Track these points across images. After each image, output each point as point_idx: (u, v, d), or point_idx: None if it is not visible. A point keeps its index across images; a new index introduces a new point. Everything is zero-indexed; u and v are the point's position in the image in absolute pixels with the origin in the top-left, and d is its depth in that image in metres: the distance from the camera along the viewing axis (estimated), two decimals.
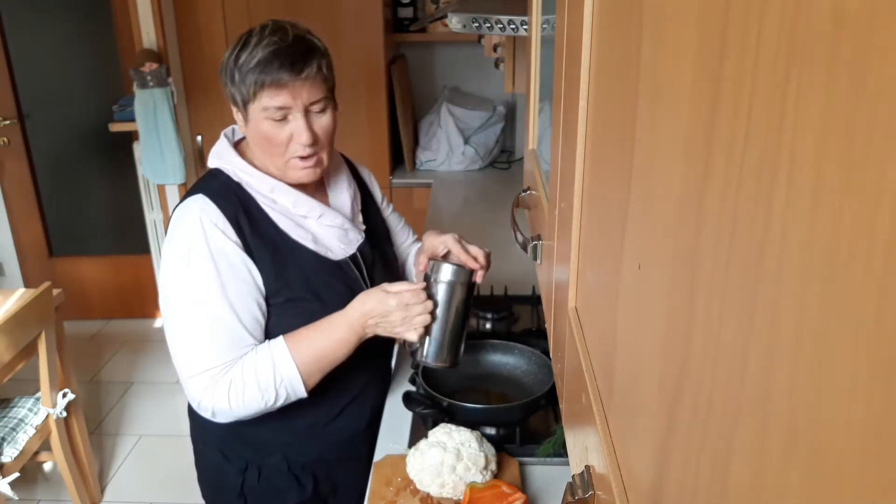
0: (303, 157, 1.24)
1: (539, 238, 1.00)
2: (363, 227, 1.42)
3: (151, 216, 3.42)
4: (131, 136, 3.28)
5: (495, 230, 2.46)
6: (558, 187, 0.78)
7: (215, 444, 1.39)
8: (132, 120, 3.09)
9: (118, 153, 3.48)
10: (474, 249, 1.40)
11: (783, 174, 0.24)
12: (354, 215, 1.41)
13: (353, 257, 1.36)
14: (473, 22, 1.41)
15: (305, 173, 1.26)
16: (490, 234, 2.47)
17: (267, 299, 1.26)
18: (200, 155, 3.28)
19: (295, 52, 1.19)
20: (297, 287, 1.28)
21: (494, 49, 2.25)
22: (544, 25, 1.05)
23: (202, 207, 1.22)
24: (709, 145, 0.31)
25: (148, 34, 3.02)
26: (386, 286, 1.24)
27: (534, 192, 1.12)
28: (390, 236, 1.55)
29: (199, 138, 3.26)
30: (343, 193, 1.40)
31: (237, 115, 1.26)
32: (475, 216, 2.78)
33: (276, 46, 1.18)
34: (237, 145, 1.33)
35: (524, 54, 1.47)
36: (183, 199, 1.28)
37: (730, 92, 0.29)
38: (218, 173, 1.30)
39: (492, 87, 3.43)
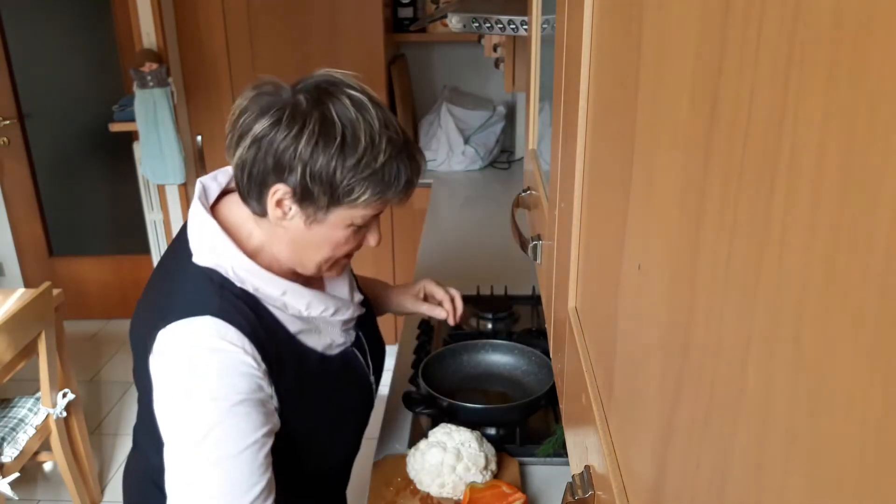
0: (348, 255, 1.08)
1: (539, 238, 1.00)
2: (361, 297, 1.23)
3: (151, 216, 3.42)
4: (131, 136, 3.28)
5: (495, 230, 2.46)
6: (558, 187, 0.78)
7: None
8: (132, 120, 3.09)
9: (118, 153, 3.48)
10: (452, 290, 1.41)
11: (783, 174, 0.24)
12: (352, 289, 1.21)
13: (356, 339, 1.20)
14: (473, 22, 1.41)
15: (343, 269, 1.13)
16: (490, 234, 2.48)
17: (292, 438, 1.06)
18: (200, 155, 3.28)
19: (414, 159, 1.01)
20: (317, 411, 1.10)
21: (494, 49, 2.26)
22: (544, 25, 1.05)
23: (218, 334, 0.95)
24: (709, 145, 0.31)
25: (148, 34, 3.02)
26: None
27: (534, 192, 1.12)
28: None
29: (199, 138, 3.26)
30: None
31: (283, 207, 0.98)
32: (475, 216, 2.78)
33: (396, 149, 0.97)
34: (213, 209, 1.06)
35: (524, 54, 1.47)
36: (175, 317, 0.97)
37: (730, 91, 0.29)
38: (213, 275, 1.00)
39: (492, 87, 3.43)
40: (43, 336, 2.22)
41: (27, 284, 3.74)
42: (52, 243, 3.78)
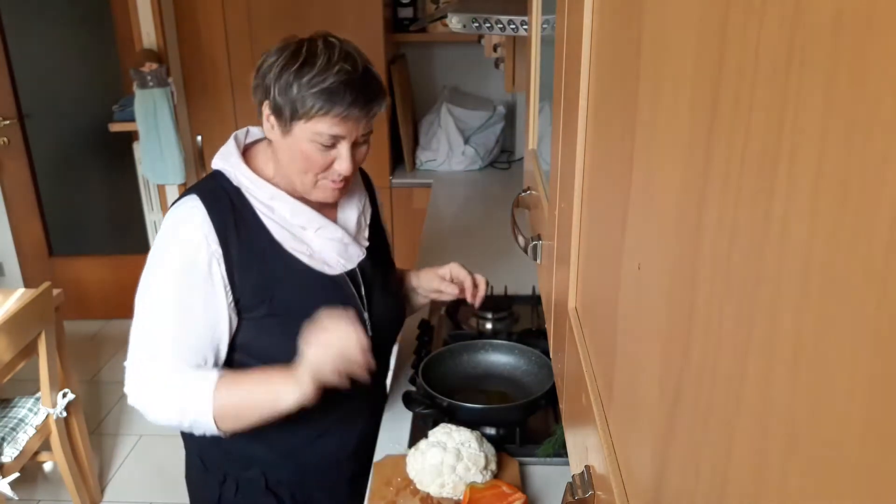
0: (334, 181, 1.23)
1: (539, 238, 1.00)
2: (366, 242, 1.37)
3: (151, 216, 3.42)
4: (131, 136, 3.28)
5: (495, 230, 2.46)
6: (558, 187, 0.78)
7: (196, 450, 1.37)
8: (132, 120, 3.09)
9: (118, 153, 3.48)
10: (479, 276, 1.46)
11: (783, 174, 0.24)
12: (360, 230, 1.37)
13: (351, 273, 1.32)
14: (473, 22, 1.41)
15: (333, 195, 1.25)
16: (490, 234, 2.48)
17: (242, 312, 1.23)
18: (200, 155, 3.28)
19: (368, 88, 1.17)
20: (282, 303, 1.24)
21: (494, 49, 2.26)
22: (544, 25, 1.05)
23: (190, 211, 1.20)
24: (709, 145, 0.31)
25: (148, 34, 3.02)
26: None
27: (534, 192, 1.12)
28: (391, 257, 1.51)
29: (199, 138, 3.26)
30: (352, 207, 1.36)
31: (270, 120, 1.21)
32: (475, 216, 2.78)
33: (348, 76, 1.14)
34: (246, 150, 1.30)
35: (524, 54, 1.47)
36: (179, 197, 1.26)
37: (730, 92, 0.29)
38: (218, 175, 1.27)
39: (492, 87, 3.43)
40: (43, 336, 2.22)
41: (27, 284, 3.74)
42: (52, 243, 3.78)
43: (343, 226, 1.33)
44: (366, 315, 1.34)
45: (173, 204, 1.26)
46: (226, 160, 1.27)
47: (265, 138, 1.29)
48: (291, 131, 1.18)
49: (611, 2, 0.54)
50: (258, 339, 1.25)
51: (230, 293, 1.21)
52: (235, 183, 1.25)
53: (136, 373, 1.22)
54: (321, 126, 1.16)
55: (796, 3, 0.23)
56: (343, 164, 1.20)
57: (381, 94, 1.21)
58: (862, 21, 0.19)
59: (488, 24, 1.40)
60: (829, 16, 0.21)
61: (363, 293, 1.34)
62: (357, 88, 1.15)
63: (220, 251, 1.19)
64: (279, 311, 1.24)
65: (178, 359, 1.20)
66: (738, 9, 0.28)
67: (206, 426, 1.19)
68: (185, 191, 1.26)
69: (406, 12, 3.25)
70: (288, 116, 1.17)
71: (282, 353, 1.23)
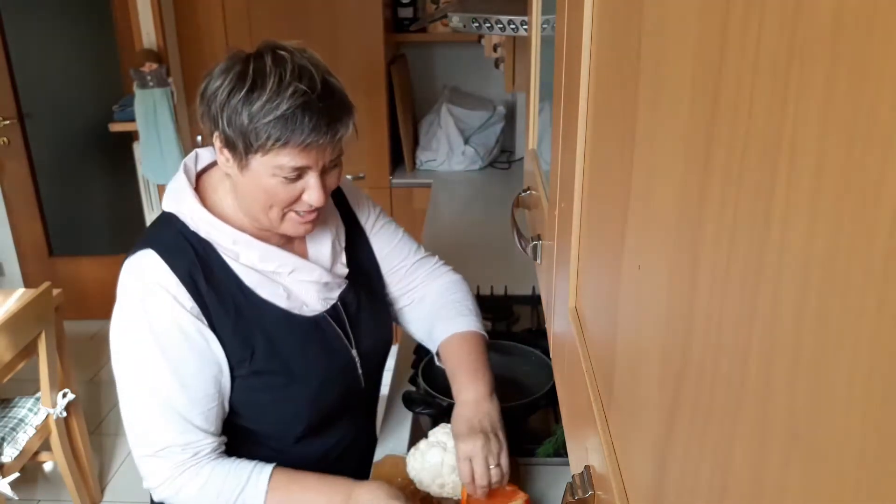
0: (306, 212, 1.10)
1: (539, 238, 1.00)
2: (345, 271, 1.25)
3: (151, 216, 3.42)
4: (131, 136, 3.28)
5: (495, 230, 2.46)
6: (558, 187, 0.78)
7: None
8: (132, 120, 3.10)
9: (118, 153, 3.48)
10: (495, 472, 1.16)
11: (783, 174, 0.24)
12: (335, 258, 1.24)
13: (332, 308, 1.22)
14: (473, 22, 1.41)
15: (304, 228, 1.12)
16: (490, 234, 2.48)
17: (231, 369, 1.13)
18: None
19: (329, 110, 1.02)
20: (262, 358, 1.14)
21: (494, 49, 2.25)
22: (544, 25, 1.05)
23: (150, 269, 1.09)
24: (709, 145, 0.31)
25: (148, 34, 3.02)
26: None
27: (534, 192, 1.12)
28: (380, 269, 1.36)
29: (199, 138, 3.26)
30: (325, 235, 1.23)
31: (224, 153, 1.06)
32: (475, 216, 2.78)
33: (304, 98, 0.99)
34: (199, 178, 1.17)
35: (524, 54, 1.47)
36: (132, 250, 1.13)
37: (730, 92, 0.29)
38: (173, 219, 1.13)
39: (492, 87, 3.43)
40: (43, 336, 2.22)
41: (27, 284, 3.74)
42: (52, 243, 3.78)
43: (316, 260, 1.21)
44: (354, 353, 1.26)
45: (127, 258, 1.13)
46: (179, 202, 1.13)
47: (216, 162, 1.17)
48: (249, 166, 1.04)
49: (611, 2, 0.54)
50: (248, 401, 1.17)
51: (221, 346, 1.11)
52: (193, 227, 1.12)
53: (153, 465, 1.11)
54: (281, 159, 1.02)
55: (796, 3, 0.23)
56: (314, 196, 1.06)
57: (347, 111, 1.05)
58: (862, 21, 0.19)
59: (488, 24, 1.40)
60: (829, 16, 0.21)
61: (348, 328, 1.24)
62: (317, 111, 1.00)
63: (196, 307, 1.09)
64: (261, 369, 1.15)
65: (195, 433, 1.10)
66: (737, 9, 0.28)
67: None
68: (139, 242, 1.13)
69: (406, 12, 3.25)
70: (242, 150, 1.03)
71: (274, 414, 1.20)
